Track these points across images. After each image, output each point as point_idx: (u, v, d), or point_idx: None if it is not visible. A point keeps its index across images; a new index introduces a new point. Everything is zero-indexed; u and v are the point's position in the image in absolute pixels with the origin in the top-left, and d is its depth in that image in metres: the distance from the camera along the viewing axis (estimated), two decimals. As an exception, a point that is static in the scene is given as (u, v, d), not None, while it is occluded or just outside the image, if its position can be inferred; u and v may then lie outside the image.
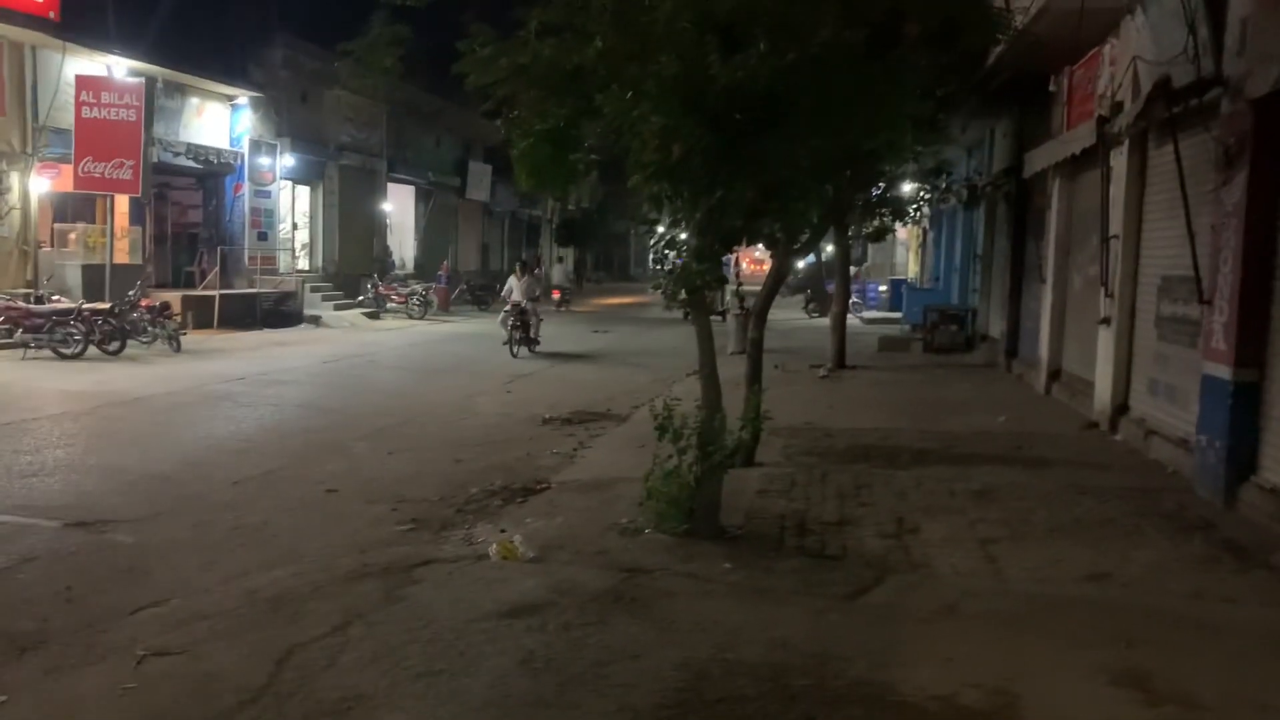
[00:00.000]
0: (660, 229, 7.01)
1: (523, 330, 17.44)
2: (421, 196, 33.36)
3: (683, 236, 7.00)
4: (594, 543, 6.09)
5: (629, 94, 6.05)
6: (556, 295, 31.42)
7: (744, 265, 41.78)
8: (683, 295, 6.67)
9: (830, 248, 23.36)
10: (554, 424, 10.60)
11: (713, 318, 7.29)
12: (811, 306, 28.28)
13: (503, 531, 6.37)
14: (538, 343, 17.92)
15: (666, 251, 6.95)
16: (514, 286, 18.34)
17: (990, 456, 8.64)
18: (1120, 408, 9.52)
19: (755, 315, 9.03)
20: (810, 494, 7.33)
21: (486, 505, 7.24)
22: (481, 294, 30.65)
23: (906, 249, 30.31)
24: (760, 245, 8.50)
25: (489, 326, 24.68)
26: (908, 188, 16.06)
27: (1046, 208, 12.62)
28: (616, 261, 59.87)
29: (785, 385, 12.61)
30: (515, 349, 17.22)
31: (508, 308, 17.89)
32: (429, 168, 32.89)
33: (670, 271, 6.66)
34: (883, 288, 28.81)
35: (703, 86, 5.91)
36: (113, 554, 6.03)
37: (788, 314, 25.78)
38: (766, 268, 9.84)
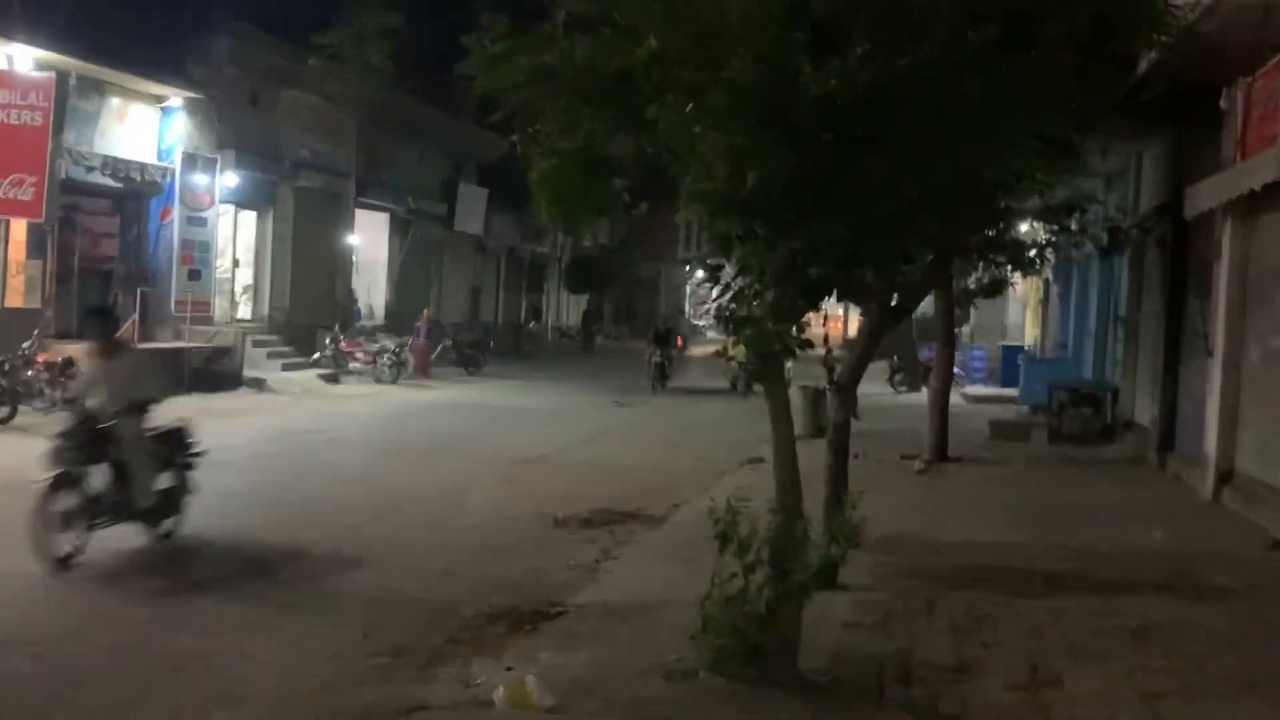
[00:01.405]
0: (724, 277, 7.11)
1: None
2: (398, 227, 34.11)
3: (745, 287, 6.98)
4: (631, 687, 5.99)
5: (689, 106, 6.13)
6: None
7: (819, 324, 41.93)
8: (742, 362, 6.77)
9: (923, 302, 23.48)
10: (569, 526, 10.67)
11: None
12: (899, 378, 28.29)
13: (510, 670, 6.30)
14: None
15: (731, 307, 7.02)
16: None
17: (1147, 583, 8.51)
18: (1319, 522, 9.41)
19: (841, 390, 9.06)
20: (914, 629, 7.22)
21: (485, 634, 7.21)
22: (471, 353, 31.07)
23: (1023, 307, 30.32)
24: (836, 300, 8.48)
25: (481, 395, 24.97)
26: (1026, 227, 16.08)
27: (1214, 258, 12.59)
28: (643, 312, 60.53)
29: (871, 481, 12.43)
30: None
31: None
32: (408, 191, 33.61)
33: (738, 324, 6.78)
34: (991, 356, 28.78)
35: (787, 97, 5.97)
36: (6, 686, 5.98)
37: (866, 386, 25.69)
38: (837, 328, 9.78)
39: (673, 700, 5.83)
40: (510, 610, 7.67)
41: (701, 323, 62.73)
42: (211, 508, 10.54)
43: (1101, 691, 6.12)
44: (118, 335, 10.22)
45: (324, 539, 9.83)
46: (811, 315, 7.43)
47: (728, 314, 7.09)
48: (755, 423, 12.38)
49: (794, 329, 6.93)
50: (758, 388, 7.32)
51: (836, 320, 46.22)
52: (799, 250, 6.54)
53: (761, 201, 6.26)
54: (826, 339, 8.66)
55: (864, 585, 8.15)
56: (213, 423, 17.70)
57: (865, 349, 9.13)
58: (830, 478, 8.96)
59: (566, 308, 51.74)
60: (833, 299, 7.92)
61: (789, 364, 7.45)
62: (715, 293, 7.33)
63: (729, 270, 7.25)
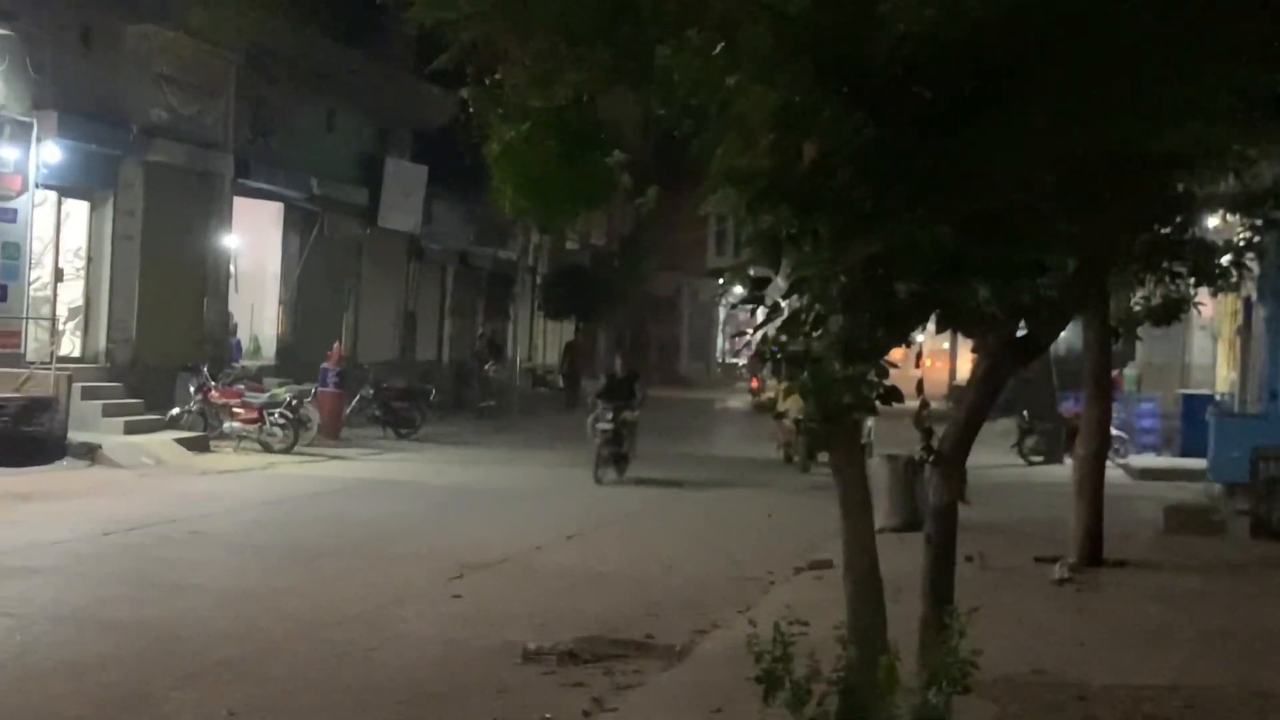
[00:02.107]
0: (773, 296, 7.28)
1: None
2: (297, 222, 34.16)
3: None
4: None
5: (718, 46, 6.26)
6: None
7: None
8: (799, 421, 6.95)
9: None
10: (545, 662, 10.64)
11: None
12: (1030, 444, 28.33)
13: None
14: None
15: (781, 340, 7.19)
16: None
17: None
18: None
19: (945, 462, 9.08)
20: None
21: None
22: (402, 408, 31.12)
23: (1213, 339, 30.18)
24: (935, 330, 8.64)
25: (418, 469, 24.95)
26: (1216, 223, 15.89)
27: None
28: (657, 346, 60.64)
29: (990, 595, 12.36)
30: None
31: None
32: (312, 170, 33.58)
33: (791, 365, 6.97)
34: (1166, 411, 28.65)
35: (860, 35, 5.99)
36: None
37: (982, 456, 25.51)
38: (937, 371, 9.74)
39: None
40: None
41: (739, 361, 63.04)
42: (7, 639, 10.42)
43: None
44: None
45: (182, 681, 9.73)
46: (899, 352, 7.71)
47: (776, 350, 7.20)
48: (818, 509, 12.29)
49: (873, 373, 7.02)
50: (822, 458, 7.56)
51: (937, 360, 45.74)
52: (879, 257, 6.67)
53: (824, 186, 6.39)
54: (922, 388, 8.58)
55: (980, 751, 8.09)
56: (19, 512, 17.71)
57: (979, 402, 9.15)
58: (928, 591, 8.98)
59: (544, 341, 51.41)
60: (930, 329, 8.20)
61: (868, 424, 7.47)
62: (759, 318, 7.43)
63: (779, 285, 7.35)
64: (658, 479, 24.13)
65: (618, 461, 23.90)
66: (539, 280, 49.22)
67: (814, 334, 7.04)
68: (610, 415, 23.93)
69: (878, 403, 7.24)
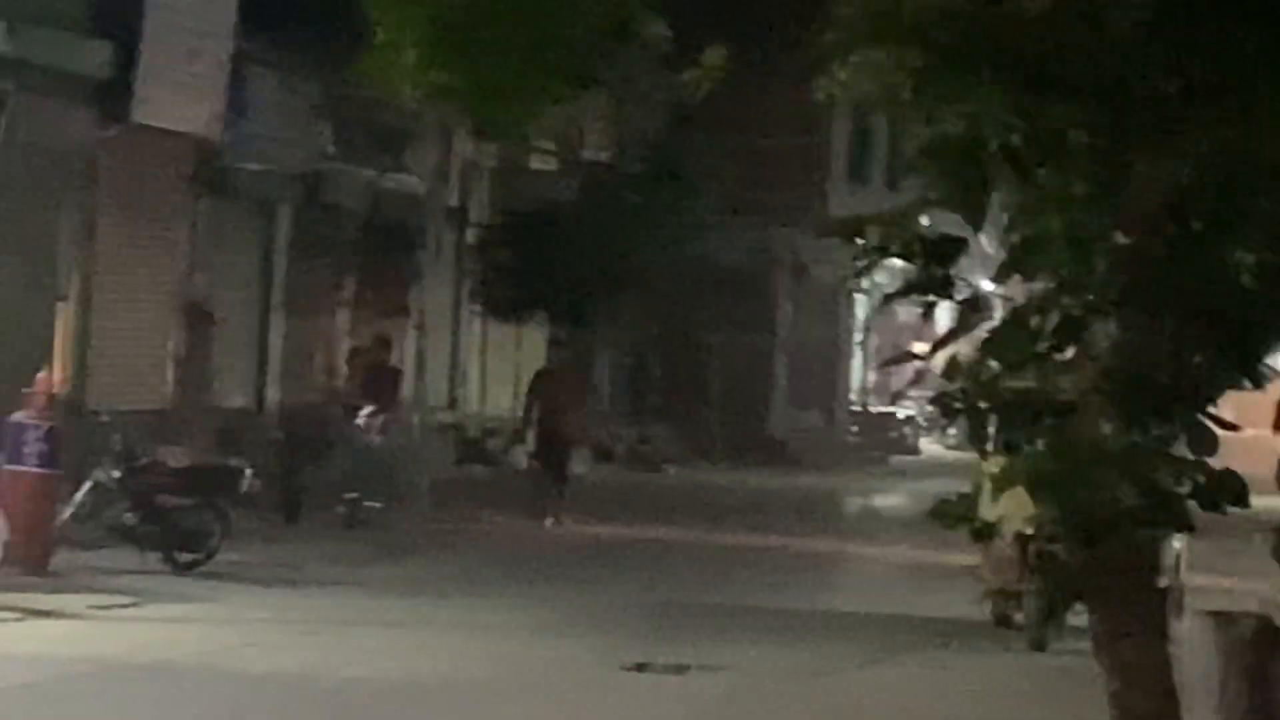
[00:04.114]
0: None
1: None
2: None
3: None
4: None
5: None
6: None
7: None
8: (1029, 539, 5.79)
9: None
10: None
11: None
12: None
13: None
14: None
15: (990, 369, 5.80)
16: None
17: None
18: None
19: None
20: None
21: None
22: (181, 512, 18.26)
23: None
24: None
25: (224, 642, 14.91)
26: None
27: None
28: (717, 383, 38.65)
29: None
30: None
31: None
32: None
33: (1009, 421, 5.76)
34: None
35: None
36: None
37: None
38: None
39: None
40: None
41: (905, 413, 44.15)
42: None
43: None
44: None
45: None
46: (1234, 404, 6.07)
47: (975, 389, 5.76)
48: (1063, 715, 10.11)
49: (1188, 442, 5.62)
50: (1077, 616, 6.15)
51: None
52: (1206, 200, 5.42)
53: (1091, 38, 5.32)
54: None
55: None
56: None
57: None
58: None
59: (486, 362, 33.11)
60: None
61: (1175, 548, 8.54)
62: (946, 323, 6.01)
63: (988, 253, 5.96)
64: (717, 662, 14.84)
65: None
66: (471, 238, 30.46)
67: (1059, 356, 5.54)
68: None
69: (1196, 506, 5.55)
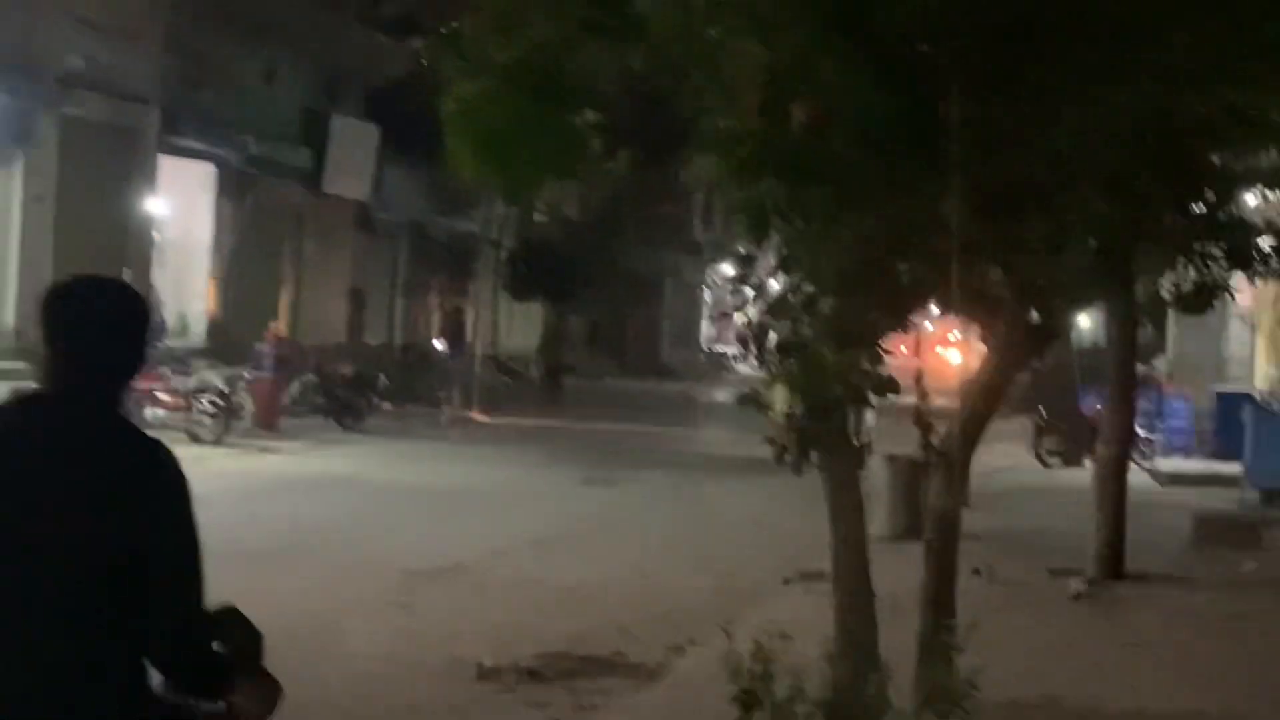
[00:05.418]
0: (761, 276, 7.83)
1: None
2: (231, 186, 32.71)
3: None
4: None
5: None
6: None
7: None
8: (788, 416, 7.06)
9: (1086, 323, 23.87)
10: (503, 680, 10.51)
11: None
12: (1049, 444, 28.13)
13: None
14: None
15: (767, 324, 7.41)
16: None
17: None
18: None
19: (947, 462, 8.67)
20: None
21: None
22: (348, 398, 29.73)
23: (1249, 327, 29.94)
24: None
25: (364, 465, 24.55)
26: (1255, 201, 15.94)
27: None
28: (633, 334, 58.93)
29: (997, 612, 12.15)
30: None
31: None
32: (249, 128, 31.82)
33: (779, 353, 7.13)
34: (1198, 410, 28.36)
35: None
36: None
37: (995, 456, 24.84)
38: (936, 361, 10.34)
39: None
40: None
41: (728, 350, 60.26)
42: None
43: None
44: None
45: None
46: (902, 341, 8.68)
47: (762, 335, 7.40)
48: (810, 514, 12.09)
49: (868, 361, 7.17)
50: (814, 456, 7.52)
51: (942, 347, 44.22)
52: (876, 234, 6.70)
53: (818, 153, 6.41)
54: (921, 379, 8.51)
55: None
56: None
57: (987, 396, 8.81)
58: (927, 605, 8.69)
59: (511, 323, 49.84)
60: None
61: (867, 420, 8.81)
62: (746, 301, 7.89)
63: (766, 264, 7.62)
64: (634, 479, 23.90)
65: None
66: (502, 255, 46.82)
67: (804, 319, 7.15)
68: None
69: (873, 395, 7.39)
